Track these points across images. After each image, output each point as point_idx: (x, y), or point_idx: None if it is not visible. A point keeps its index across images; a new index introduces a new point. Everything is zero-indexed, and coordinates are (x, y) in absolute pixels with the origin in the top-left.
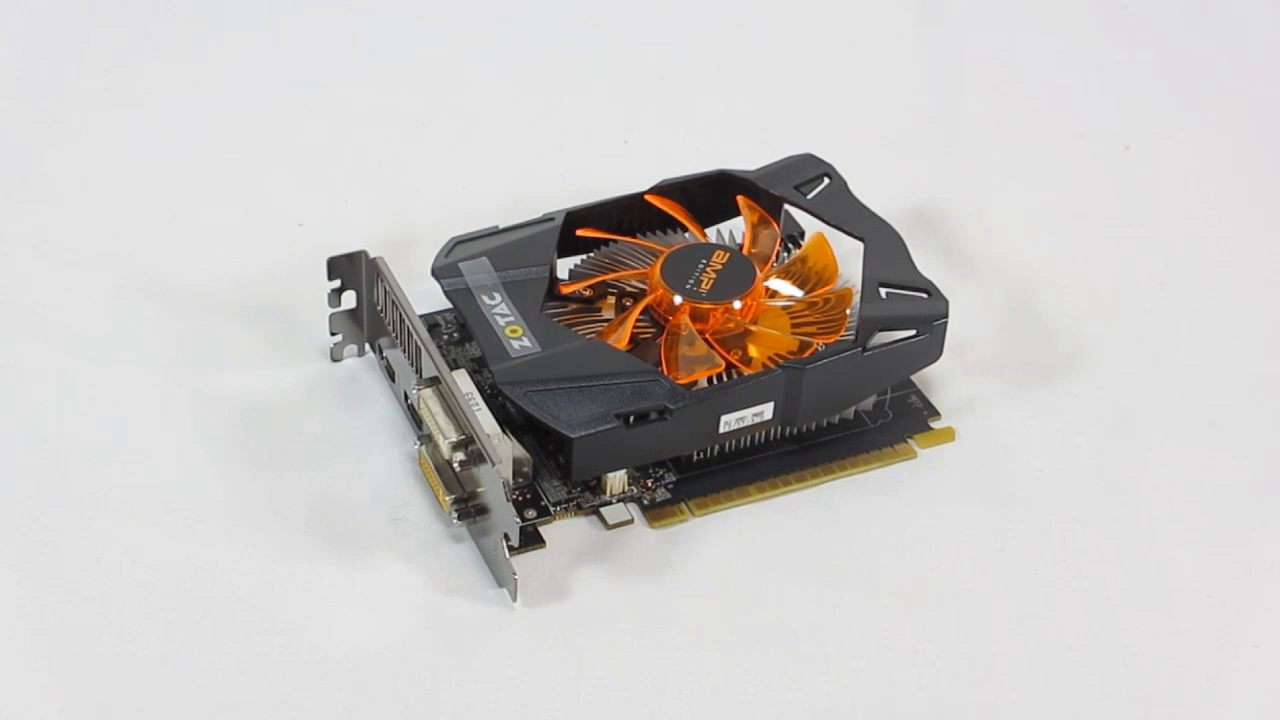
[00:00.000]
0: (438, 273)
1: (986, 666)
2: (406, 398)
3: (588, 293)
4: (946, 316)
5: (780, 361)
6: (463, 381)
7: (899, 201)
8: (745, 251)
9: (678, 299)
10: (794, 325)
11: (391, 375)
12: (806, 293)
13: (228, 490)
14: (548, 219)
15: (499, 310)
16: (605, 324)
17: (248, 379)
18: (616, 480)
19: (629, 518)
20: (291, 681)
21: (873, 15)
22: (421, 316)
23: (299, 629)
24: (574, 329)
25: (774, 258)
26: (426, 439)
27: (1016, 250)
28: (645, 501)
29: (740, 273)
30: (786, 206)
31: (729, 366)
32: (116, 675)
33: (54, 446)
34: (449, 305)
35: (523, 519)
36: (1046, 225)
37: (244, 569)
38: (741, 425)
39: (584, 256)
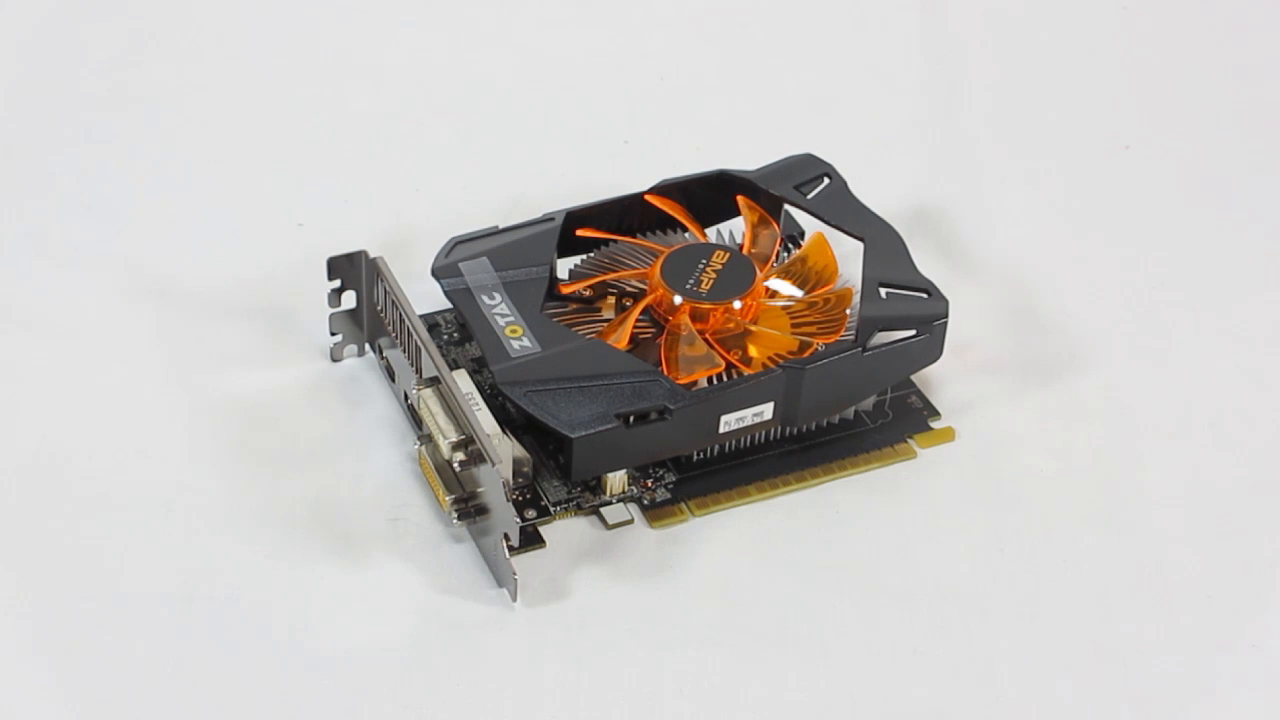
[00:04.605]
0: (438, 273)
1: (986, 666)
2: (406, 398)
3: (588, 293)
4: (946, 316)
5: (780, 361)
6: (463, 381)
7: (899, 201)
8: (745, 251)
9: (678, 299)
10: (794, 325)
11: (391, 375)
12: (806, 293)
13: (228, 490)
14: (548, 219)
15: (499, 310)
16: (605, 324)
17: (248, 379)
18: (616, 480)
19: (629, 518)
20: (291, 681)
21: (873, 15)
22: (421, 316)
23: (299, 629)
24: (574, 329)
25: (774, 258)
26: (426, 439)
27: (1016, 250)
28: (645, 501)
29: (740, 273)
30: (786, 206)
31: (729, 366)
32: (116, 675)
33: (54, 446)
34: (449, 305)
35: (523, 519)
36: (1046, 225)
37: (244, 569)
38: (741, 425)
39: (584, 256)
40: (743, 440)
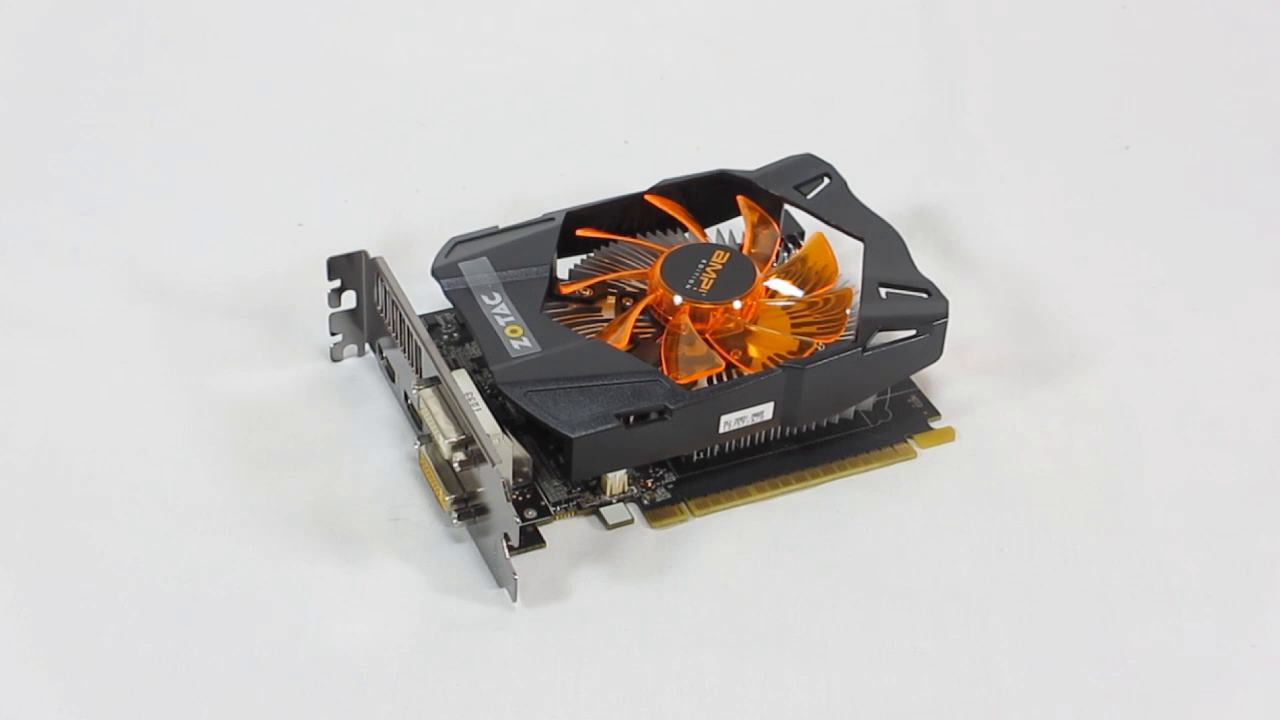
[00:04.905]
0: (438, 273)
1: (986, 666)
2: (406, 398)
3: (588, 293)
4: (946, 316)
5: (780, 361)
6: (463, 381)
7: (899, 201)
8: (745, 251)
9: (678, 299)
10: (794, 325)
11: (391, 375)
12: (806, 293)
13: (228, 490)
14: (548, 219)
15: (499, 310)
16: (605, 324)
17: (248, 379)
18: (616, 480)
19: (629, 518)
20: (291, 681)
21: (873, 15)
22: (421, 316)
23: (299, 629)
24: (574, 329)
25: (774, 258)
26: (426, 439)
27: (1016, 250)
28: (645, 501)
29: (740, 273)
30: (786, 206)
31: (729, 366)
32: (116, 675)
33: (54, 446)
34: (449, 305)
35: (523, 519)
36: (1046, 225)
37: (244, 569)
38: (741, 425)
39: (584, 256)
40: (743, 440)
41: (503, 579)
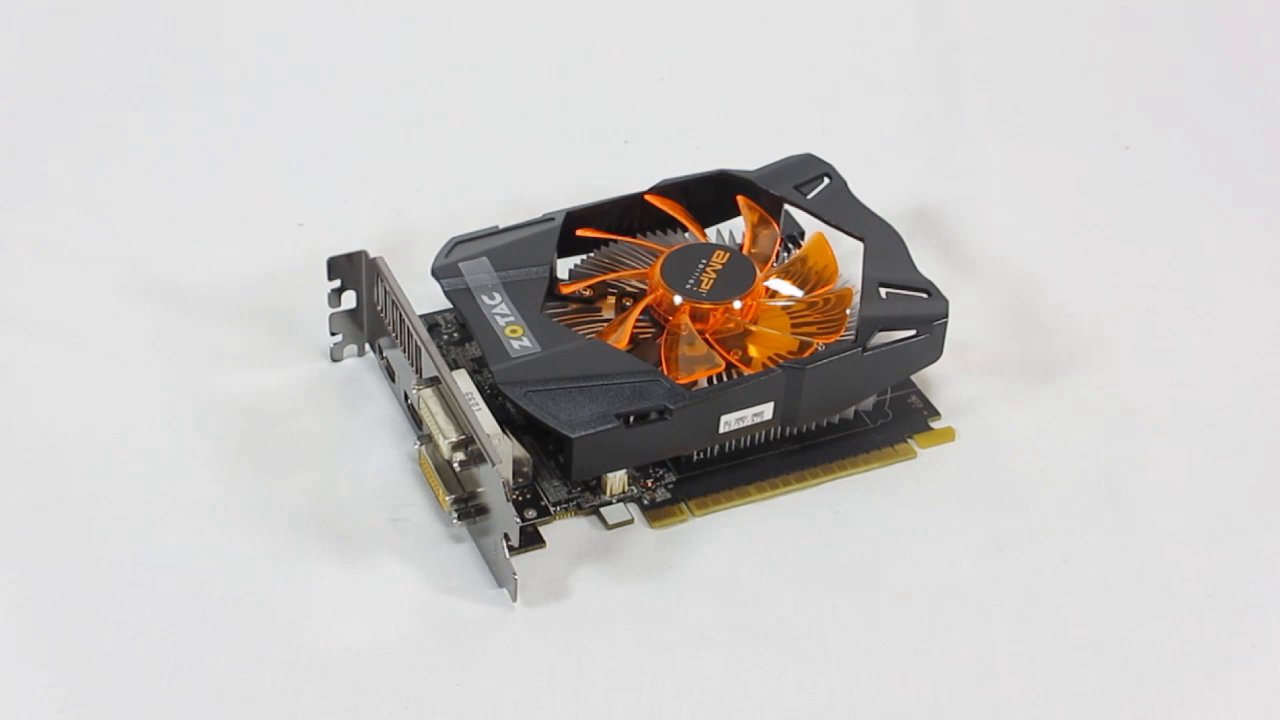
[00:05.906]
0: (438, 273)
1: (986, 666)
2: (406, 398)
3: (588, 293)
4: (946, 316)
5: (780, 361)
6: (463, 381)
7: (899, 201)
8: (745, 251)
9: (678, 299)
10: (794, 325)
11: (391, 375)
12: (806, 293)
13: (228, 490)
14: (548, 219)
15: (499, 310)
16: (605, 324)
17: (248, 379)
18: (616, 480)
19: (629, 518)
20: (291, 681)
21: (873, 15)
22: (421, 316)
23: (299, 629)
24: (574, 329)
25: (774, 258)
26: (426, 439)
27: (1016, 250)
28: (645, 501)
29: (740, 273)
30: (786, 206)
31: (729, 366)
32: (116, 675)
33: (54, 446)
34: (449, 305)
35: (523, 519)
36: (1046, 225)
37: (244, 569)
38: (741, 425)
39: (584, 256)
40: (743, 440)
41: (503, 579)
